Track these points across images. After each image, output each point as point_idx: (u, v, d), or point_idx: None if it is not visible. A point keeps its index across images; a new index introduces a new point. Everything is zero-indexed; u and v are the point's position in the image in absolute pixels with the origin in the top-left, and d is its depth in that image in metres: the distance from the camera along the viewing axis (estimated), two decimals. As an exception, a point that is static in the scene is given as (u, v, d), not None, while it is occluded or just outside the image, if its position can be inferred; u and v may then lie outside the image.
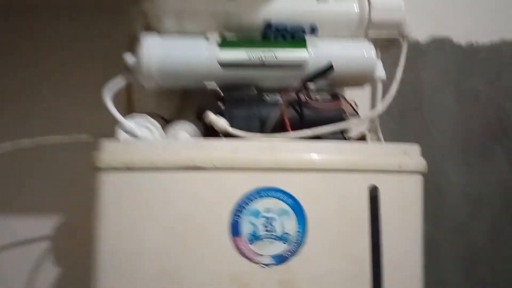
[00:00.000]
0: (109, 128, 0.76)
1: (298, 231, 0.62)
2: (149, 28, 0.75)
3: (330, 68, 0.68)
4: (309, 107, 0.70)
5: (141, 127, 0.68)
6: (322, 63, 0.70)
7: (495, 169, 1.17)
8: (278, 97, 0.71)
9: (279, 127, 0.69)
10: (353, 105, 0.74)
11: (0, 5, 0.98)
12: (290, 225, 0.62)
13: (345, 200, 0.63)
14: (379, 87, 0.76)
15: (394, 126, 1.14)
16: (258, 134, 0.66)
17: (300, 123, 0.69)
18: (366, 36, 0.75)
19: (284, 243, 0.61)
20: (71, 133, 0.82)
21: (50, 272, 1.02)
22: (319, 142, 0.65)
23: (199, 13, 0.71)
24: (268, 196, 0.62)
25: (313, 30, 0.74)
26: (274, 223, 0.61)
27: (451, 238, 1.13)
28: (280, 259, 0.61)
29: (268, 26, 0.72)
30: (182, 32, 0.72)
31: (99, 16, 1.00)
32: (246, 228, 0.61)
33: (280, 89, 0.72)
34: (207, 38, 0.71)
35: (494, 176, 1.16)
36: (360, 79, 0.73)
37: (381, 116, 0.77)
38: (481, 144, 1.17)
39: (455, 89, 1.18)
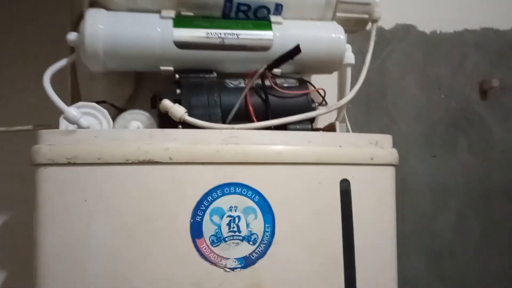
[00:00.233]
0: (55, 118, 0.68)
1: (266, 231, 0.56)
2: (96, 4, 0.66)
3: (297, 50, 0.61)
4: (275, 94, 0.64)
5: (87, 116, 0.59)
6: (288, 45, 0.64)
7: (459, 159, 1.16)
8: (240, 83, 0.65)
9: (243, 116, 0.63)
10: (322, 92, 0.68)
11: None
12: (256, 224, 0.56)
13: (315, 195, 0.58)
14: (348, 73, 0.71)
15: (358, 115, 1.10)
16: (220, 124, 0.59)
17: (265, 111, 0.63)
18: (334, 17, 0.70)
19: (251, 244, 0.55)
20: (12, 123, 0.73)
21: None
22: (287, 133, 0.59)
23: (151, -14, 0.63)
24: (231, 192, 0.55)
25: (278, 10, 0.68)
26: (239, 223, 0.55)
27: (416, 230, 1.12)
28: (247, 261, 0.55)
29: (229, 3, 0.65)
30: (133, 8, 0.64)
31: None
32: (208, 228, 0.54)
33: (242, 73, 0.66)
34: (161, 15, 0.63)
35: (458, 166, 1.15)
36: (329, 63, 0.68)
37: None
38: (444, 133, 1.16)
39: (420, 77, 1.16)
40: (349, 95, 0.67)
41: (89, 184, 0.54)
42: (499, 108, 1.19)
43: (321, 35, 0.66)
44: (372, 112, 1.12)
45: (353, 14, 0.70)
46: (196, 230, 0.54)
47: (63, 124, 0.60)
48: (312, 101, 0.66)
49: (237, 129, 0.58)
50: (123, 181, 0.54)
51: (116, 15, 0.62)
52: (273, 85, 0.64)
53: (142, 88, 0.77)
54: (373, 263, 0.60)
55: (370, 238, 0.60)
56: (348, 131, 0.71)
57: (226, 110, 0.62)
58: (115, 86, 0.74)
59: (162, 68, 0.63)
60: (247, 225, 0.55)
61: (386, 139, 0.63)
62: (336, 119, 0.72)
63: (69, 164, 0.53)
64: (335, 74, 0.76)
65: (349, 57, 0.70)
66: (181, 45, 0.62)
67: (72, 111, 0.57)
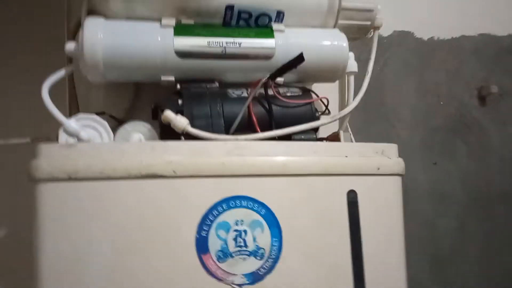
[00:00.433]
0: (53, 129, 0.66)
1: (273, 245, 0.54)
2: (94, 12, 0.64)
3: (300, 59, 0.60)
4: (278, 103, 0.63)
5: (87, 128, 0.57)
6: (291, 53, 0.62)
7: (458, 164, 1.15)
8: (243, 92, 0.64)
9: (246, 126, 0.61)
10: (325, 101, 0.67)
11: None
12: (263, 238, 0.54)
13: (322, 206, 0.57)
14: (351, 81, 0.70)
15: (357, 122, 1.09)
16: (224, 135, 0.58)
17: (269, 121, 0.62)
18: (336, 25, 0.69)
19: (258, 259, 0.54)
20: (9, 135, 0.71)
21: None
22: (292, 143, 0.58)
23: (151, -6, 0.62)
24: (237, 206, 0.54)
25: (280, 17, 0.66)
26: (245, 237, 0.54)
27: (418, 236, 1.11)
28: (254, 277, 0.54)
29: (230, 11, 0.64)
30: (132, 17, 0.62)
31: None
32: (214, 244, 0.53)
33: (245, 83, 0.65)
34: (161, 24, 0.61)
35: (458, 173, 1.15)
36: (332, 72, 0.67)
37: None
38: (444, 139, 1.15)
39: (418, 84, 1.15)
40: (353, 103, 0.66)
41: (91, 199, 0.52)
42: (498, 114, 1.19)
43: (324, 43, 0.65)
44: (371, 119, 1.12)
45: (355, 21, 0.69)
46: (201, 246, 0.53)
47: (63, 137, 0.58)
48: (316, 110, 0.65)
49: (242, 140, 0.57)
50: (126, 196, 0.52)
51: (115, 24, 0.61)
52: (276, 95, 0.62)
53: (142, 98, 0.75)
54: (382, 274, 0.58)
55: (378, 249, 0.58)
56: (351, 140, 0.70)
57: (229, 121, 0.61)
58: (114, 96, 0.72)
59: (163, 78, 0.62)
60: (254, 240, 0.54)
61: (392, 148, 0.62)
62: (340, 128, 0.71)
63: (70, 179, 0.51)
64: (335, 82, 0.75)
65: (352, 65, 0.69)
66: (182, 54, 0.60)
67: (72, 124, 0.56)
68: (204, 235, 0.53)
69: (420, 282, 1.11)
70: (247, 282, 0.53)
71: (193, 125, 0.58)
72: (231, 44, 0.62)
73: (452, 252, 1.13)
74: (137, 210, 0.52)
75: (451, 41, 1.19)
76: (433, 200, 1.13)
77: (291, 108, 0.63)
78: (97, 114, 0.66)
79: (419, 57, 1.17)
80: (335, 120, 0.65)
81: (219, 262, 0.53)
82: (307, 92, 0.65)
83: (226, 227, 0.53)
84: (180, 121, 0.57)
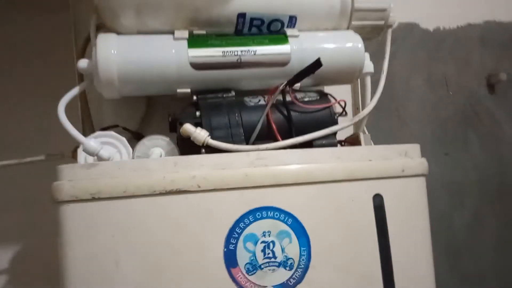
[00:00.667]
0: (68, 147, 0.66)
1: (302, 254, 0.54)
2: (103, 27, 0.64)
3: (318, 64, 0.59)
4: (297, 109, 0.62)
5: (106, 146, 0.57)
6: (306, 58, 0.62)
7: (470, 155, 1.15)
8: (260, 100, 0.63)
9: (265, 135, 0.60)
10: (342, 103, 0.66)
11: None
12: (292, 248, 0.54)
13: (349, 213, 0.56)
14: (368, 82, 0.69)
15: (369, 118, 1.08)
16: (245, 146, 0.57)
17: (289, 128, 0.61)
18: (349, 26, 0.68)
19: (287, 269, 0.53)
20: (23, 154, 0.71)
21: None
22: (315, 150, 0.57)
23: (162, 7, 0.61)
24: (263, 217, 0.53)
25: (292, 22, 0.66)
26: (273, 248, 0.53)
27: (434, 230, 1.10)
28: (285, 288, 0.53)
29: (242, 19, 0.63)
30: (144, 31, 0.62)
31: (42, 16, 0.86)
32: (243, 257, 0.52)
33: (260, 90, 0.64)
34: (174, 36, 0.60)
35: (470, 163, 1.14)
36: (349, 74, 0.66)
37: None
38: (455, 130, 1.14)
39: (427, 75, 1.15)
40: (371, 104, 0.66)
41: (116, 218, 0.51)
42: (508, 102, 1.18)
43: (339, 45, 0.64)
44: (380, 114, 1.11)
45: (369, 21, 0.68)
46: (230, 259, 0.52)
47: (82, 156, 0.57)
48: (335, 113, 0.64)
49: (264, 149, 0.56)
50: (151, 213, 0.52)
51: (128, 39, 0.60)
52: (295, 101, 0.61)
53: (154, 109, 0.75)
54: (412, 278, 0.58)
55: (407, 254, 0.58)
56: (371, 142, 0.69)
57: (248, 130, 0.60)
58: (127, 109, 0.72)
59: (179, 90, 0.61)
60: (282, 250, 0.53)
61: (414, 149, 0.61)
62: (358, 130, 0.70)
63: (94, 199, 0.51)
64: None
65: (368, 66, 0.68)
66: (198, 66, 0.60)
67: (92, 142, 0.55)
68: (232, 248, 0.52)
69: (437, 275, 1.10)
70: (279, 294, 0.53)
71: (212, 136, 0.57)
72: (246, 52, 0.61)
73: (468, 244, 1.12)
74: (163, 227, 0.52)
75: (457, 30, 1.18)
76: (447, 193, 1.12)
77: (310, 114, 0.62)
78: (111, 127, 0.66)
79: (426, 48, 1.16)
80: (354, 123, 0.64)
81: (248, 275, 0.52)
82: (324, 96, 0.65)
83: (253, 239, 0.53)
84: (200, 134, 0.56)
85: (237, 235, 0.52)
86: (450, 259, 1.11)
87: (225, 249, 0.52)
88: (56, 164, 0.54)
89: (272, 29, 0.66)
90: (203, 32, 0.63)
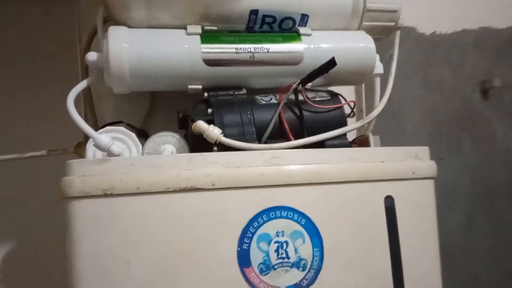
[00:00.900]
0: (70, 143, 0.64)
1: (315, 255, 0.53)
2: (111, 20, 0.62)
3: (332, 63, 0.59)
4: (309, 109, 0.62)
5: (116, 141, 0.55)
6: (319, 57, 0.61)
7: (464, 159, 1.16)
8: (272, 98, 0.62)
9: (277, 134, 0.60)
10: (352, 104, 0.66)
11: None
12: (305, 248, 0.53)
13: (360, 214, 0.56)
14: (377, 83, 0.69)
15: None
16: (258, 144, 0.57)
17: (300, 127, 0.61)
18: (360, 26, 0.68)
19: (300, 270, 0.53)
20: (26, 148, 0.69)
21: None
22: (328, 150, 0.57)
23: (174, 1, 0.60)
24: (277, 217, 0.53)
25: (304, 20, 0.65)
26: (287, 248, 0.53)
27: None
28: (298, 289, 0.53)
29: (254, 15, 0.62)
30: (154, 25, 0.60)
31: (44, 7, 0.83)
32: (256, 256, 0.52)
33: (271, 88, 0.64)
34: (187, 32, 0.59)
35: (464, 167, 1.16)
36: (360, 74, 0.66)
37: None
38: (449, 134, 1.16)
39: (422, 79, 1.16)
40: (380, 105, 0.66)
41: (128, 215, 0.50)
42: (502, 107, 1.20)
43: (352, 45, 0.64)
44: (378, 116, 1.11)
45: (380, 22, 0.68)
46: (243, 259, 0.51)
47: (90, 151, 0.56)
48: (345, 114, 0.64)
49: (277, 149, 0.56)
50: (164, 210, 0.51)
51: (140, 32, 0.58)
52: (307, 100, 0.61)
53: (156, 106, 0.73)
54: (420, 279, 0.58)
55: (415, 255, 0.58)
56: (380, 144, 0.69)
57: (260, 128, 0.59)
58: (131, 105, 0.70)
59: (190, 87, 0.60)
60: (296, 251, 0.53)
61: (424, 152, 0.61)
62: (366, 131, 0.70)
63: (106, 195, 0.50)
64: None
65: (379, 67, 0.68)
66: (210, 62, 0.59)
67: (103, 137, 0.53)
68: (246, 247, 0.52)
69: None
70: (292, 294, 0.52)
71: (224, 133, 0.56)
72: (259, 50, 0.60)
73: (461, 246, 1.14)
74: (176, 225, 0.51)
75: (452, 35, 1.19)
76: (441, 195, 1.13)
77: (322, 113, 0.62)
78: (115, 123, 0.64)
79: (422, 52, 1.17)
80: (364, 124, 0.64)
81: (261, 275, 0.52)
82: (335, 96, 0.64)
83: (267, 238, 0.52)
84: (214, 132, 0.55)
85: (250, 235, 0.52)
86: (443, 261, 1.12)
87: (239, 249, 0.51)
88: (58, 159, 0.52)
89: (283, 27, 0.65)
90: (214, 28, 0.62)
